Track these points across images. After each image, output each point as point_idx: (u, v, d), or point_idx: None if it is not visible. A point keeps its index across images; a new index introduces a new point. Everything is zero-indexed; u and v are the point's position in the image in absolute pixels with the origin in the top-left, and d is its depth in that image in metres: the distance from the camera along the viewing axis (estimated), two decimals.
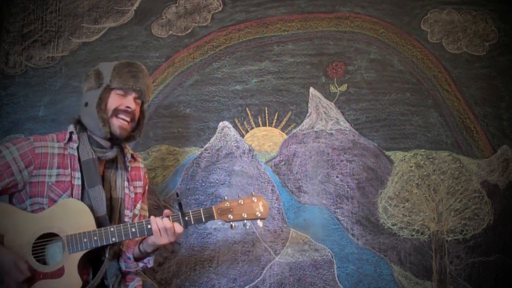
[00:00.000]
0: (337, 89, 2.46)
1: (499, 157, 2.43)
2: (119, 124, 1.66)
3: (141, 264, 1.71)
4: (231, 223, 1.64)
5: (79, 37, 2.44)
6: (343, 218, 2.34)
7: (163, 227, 1.56)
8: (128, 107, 1.66)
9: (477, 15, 2.56)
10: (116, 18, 2.46)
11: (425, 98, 2.47)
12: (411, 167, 2.40)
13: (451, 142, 2.44)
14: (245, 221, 1.66)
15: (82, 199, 1.61)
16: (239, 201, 1.66)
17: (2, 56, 2.40)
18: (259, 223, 1.67)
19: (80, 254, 1.54)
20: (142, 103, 1.76)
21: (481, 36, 2.54)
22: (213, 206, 1.65)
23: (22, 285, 1.46)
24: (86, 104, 1.66)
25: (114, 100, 1.66)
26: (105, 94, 1.65)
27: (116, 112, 1.65)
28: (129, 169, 1.78)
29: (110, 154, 1.68)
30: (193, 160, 2.36)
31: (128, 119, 1.67)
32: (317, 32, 2.50)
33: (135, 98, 1.69)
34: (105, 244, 1.55)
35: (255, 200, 1.67)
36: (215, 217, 1.64)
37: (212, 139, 2.38)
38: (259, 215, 1.66)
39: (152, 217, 1.60)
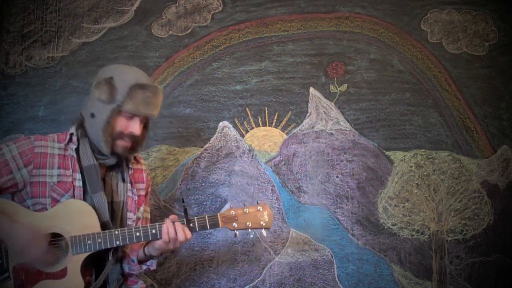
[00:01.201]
0: (337, 89, 2.46)
1: (499, 157, 2.43)
2: (124, 144, 1.62)
3: (144, 267, 1.71)
4: (235, 231, 1.64)
5: (79, 37, 2.43)
6: (343, 218, 2.34)
7: (174, 238, 1.56)
8: (132, 132, 1.61)
9: (477, 15, 2.56)
10: (116, 18, 2.46)
11: (425, 98, 2.47)
12: (411, 167, 2.40)
13: (451, 142, 2.44)
14: (250, 230, 1.65)
15: (84, 200, 1.60)
16: (244, 209, 1.66)
17: (2, 56, 2.40)
18: (264, 232, 1.67)
19: (83, 256, 1.53)
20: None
21: (481, 36, 2.54)
22: (218, 214, 1.64)
23: (43, 256, 1.48)
24: (93, 115, 1.61)
25: (121, 122, 1.60)
26: (114, 115, 1.59)
27: (121, 135, 1.61)
28: (132, 171, 1.77)
29: (110, 161, 1.67)
30: (193, 160, 2.36)
31: (131, 140, 1.64)
32: (317, 32, 2.50)
33: (141, 121, 1.65)
34: (109, 247, 1.55)
35: (260, 209, 1.66)
36: (220, 225, 1.63)
37: (212, 139, 2.38)
38: (263, 224, 1.65)
39: (164, 225, 1.57)
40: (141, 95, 1.58)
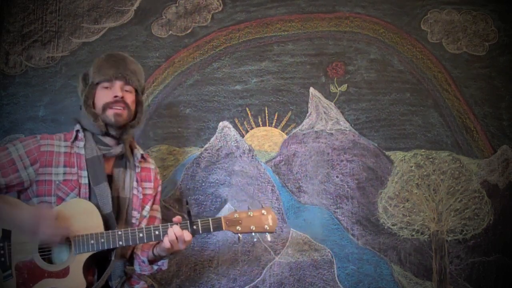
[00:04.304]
0: (337, 89, 2.46)
1: (499, 157, 2.43)
2: (114, 111, 1.65)
3: (155, 267, 1.71)
4: (238, 234, 1.63)
5: (79, 37, 2.43)
6: (343, 218, 2.34)
7: (174, 239, 1.55)
8: (115, 96, 1.65)
9: (477, 15, 2.56)
10: (116, 18, 2.46)
11: (425, 98, 2.47)
12: (411, 167, 2.40)
13: (451, 142, 2.44)
14: (253, 233, 1.64)
15: (89, 198, 1.60)
16: (249, 213, 1.64)
17: (2, 56, 2.40)
18: (267, 236, 1.65)
19: (86, 256, 1.54)
20: (137, 92, 1.74)
21: (481, 36, 2.54)
22: (221, 217, 1.63)
23: (56, 230, 1.48)
24: (81, 107, 1.70)
25: (101, 95, 1.66)
26: (91, 90, 1.67)
27: (107, 105, 1.65)
28: (139, 169, 1.76)
29: (115, 150, 1.68)
30: (193, 160, 2.36)
31: (120, 107, 1.66)
32: (317, 32, 2.50)
33: (121, 86, 1.68)
34: (111, 247, 1.55)
35: (265, 213, 1.65)
36: (223, 228, 1.61)
37: (212, 139, 2.38)
38: (267, 228, 1.64)
39: (170, 229, 1.58)
40: (106, 62, 1.69)
